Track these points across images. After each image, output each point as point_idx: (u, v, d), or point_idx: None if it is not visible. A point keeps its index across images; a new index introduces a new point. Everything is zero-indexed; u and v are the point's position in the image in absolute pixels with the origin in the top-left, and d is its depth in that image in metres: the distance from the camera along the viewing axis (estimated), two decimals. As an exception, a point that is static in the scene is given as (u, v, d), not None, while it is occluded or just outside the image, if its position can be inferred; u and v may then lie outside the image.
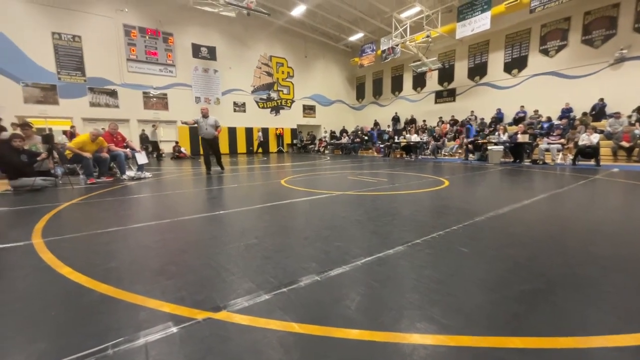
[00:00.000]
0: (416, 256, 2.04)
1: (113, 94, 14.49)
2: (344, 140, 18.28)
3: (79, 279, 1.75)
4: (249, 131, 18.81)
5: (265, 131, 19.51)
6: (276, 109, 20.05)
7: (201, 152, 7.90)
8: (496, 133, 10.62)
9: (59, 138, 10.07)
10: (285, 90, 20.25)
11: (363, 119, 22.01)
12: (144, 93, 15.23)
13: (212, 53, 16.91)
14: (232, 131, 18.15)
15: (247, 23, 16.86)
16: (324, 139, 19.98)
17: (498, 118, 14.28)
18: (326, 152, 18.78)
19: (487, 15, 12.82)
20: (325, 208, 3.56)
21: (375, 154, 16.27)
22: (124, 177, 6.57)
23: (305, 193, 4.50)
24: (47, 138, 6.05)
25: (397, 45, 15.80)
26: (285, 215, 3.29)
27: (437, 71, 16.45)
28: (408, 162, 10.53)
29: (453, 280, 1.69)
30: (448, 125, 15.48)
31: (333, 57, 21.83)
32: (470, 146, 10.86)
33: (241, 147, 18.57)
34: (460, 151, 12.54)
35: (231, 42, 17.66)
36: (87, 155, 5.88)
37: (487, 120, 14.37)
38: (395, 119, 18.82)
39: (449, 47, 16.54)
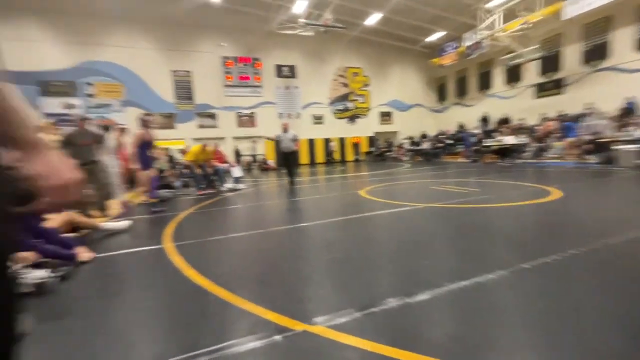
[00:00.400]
0: (525, 284, 1.79)
1: (213, 116, 16.96)
2: (425, 145, 17.28)
3: (201, 281, 2.10)
4: (327, 142, 19.49)
5: (342, 141, 19.92)
6: (352, 118, 20.31)
7: (281, 164, 8.39)
8: (629, 128, 8.51)
9: (177, 156, 12.33)
10: (360, 99, 20.38)
11: (445, 122, 20.45)
12: (237, 113, 17.38)
13: (292, 71, 18.27)
14: (311, 143, 19.10)
15: (323, 39, 17.68)
16: (402, 146, 19.27)
17: (628, 109, 11.42)
18: (404, 158, 18.05)
19: (608, -15, 10.51)
20: (410, 222, 3.43)
21: (461, 159, 14.88)
22: (223, 188, 7.58)
23: (386, 205, 4.42)
24: (170, 157, 7.48)
25: (484, 39, 14.28)
26: (369, 228, 3.30)
27: (537, 61, 14.20)
28: (503, 168, 9.29)
29: (578, 318, 1.42)
30: (554, 123, 13.10)
31: (410, 61, 21.05)
32: (589, 146, 8.95)
33: (319, 157, 19.35)
34: (572, 152, 10.45)
35: (309, 58, 18.76)
36: (198, 171, 7.01)
37: (611, 113, 11.64)
38: (484, 120, 16.91)
39: (553, 31, 14.11)
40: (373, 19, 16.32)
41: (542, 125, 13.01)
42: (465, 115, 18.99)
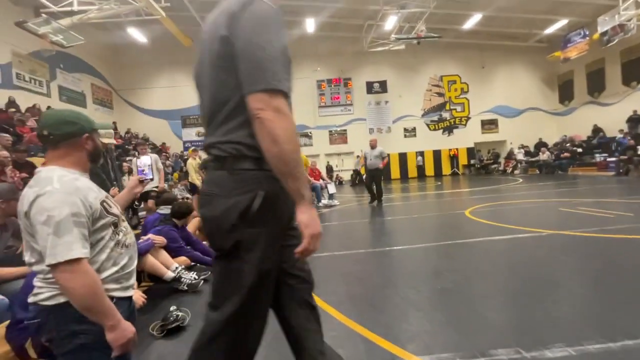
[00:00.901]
0: None
1: (309, 135, 18.34)
2: (544, 155, 14.56)
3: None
4: (419, 155, 18.59)
5: (437, 153, 18.65)
6: (449, 129, 18.82)
7: (367, 182, 7.87)
8: None
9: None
10: (458, 108, 18.77)
11: (571, 126, 16.87)
12: (329, 132, 18.37)
13: (383, 86, 18.30)
14: (402, 157, 18.52)
15: (415, 49, 17.18)
16: (513, 157, 16.71)
17: None
18: (515, 172, 15.58)
19: None
20: (533, 252, 2.94)
21: (600, 171, 11.92)
22: (320, 204, 8.05)
23: (498, 229, 3.91)
24: None
25: (630, 20, 11.36)
26: (480, 256, 2.98)
27: None
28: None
29: None
30: None
31: (520, 59, 18.35)
32: None
33: (412, 171, 18.53)
34: None
35: (400, 71, 18.48)
36: None
37: None
38: (635, 120, 13.19)
39: None
40: (472, 21, 15.05)
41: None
42: (603, 116, 15.27)
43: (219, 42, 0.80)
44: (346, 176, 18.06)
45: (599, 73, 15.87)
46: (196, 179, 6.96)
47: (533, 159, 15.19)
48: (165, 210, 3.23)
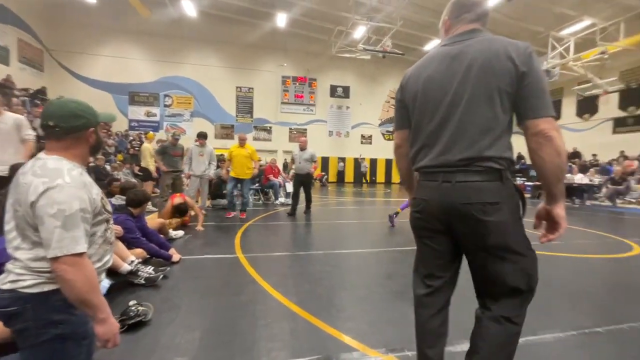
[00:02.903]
0: (597, 350, 1.76)
1: (269, 130, 18.09)
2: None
3: (275, 294, 2.38)
4: (373, 162, 19.54)
5: (389, 162, 19.82)
6: (401, 141, 20.14)
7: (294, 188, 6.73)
8: None
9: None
10: (412, 122, 20.21)
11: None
12: (289, 129, 18.34)
13: (346, 92, 18.87)
14: (357, 162, 19.30)
15: (379, 62, 18.05)
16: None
17: None
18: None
19: None
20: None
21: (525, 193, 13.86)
22: (277, 202, 8.07)
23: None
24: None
25: (554, 67, 13.43)
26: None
27: (616, 93, 12.95)
28: (571, 210, 8.52)
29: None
30: (636, 162, 11.71)
31: (467, 85, 20.47)
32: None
33: (367, 176, 19.40)
34: (658, 199, 9.22)
35: (363, 80, 19.25)
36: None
37: None
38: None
39: (637, 62, 12.82)
40: (432, 44, 16.31)
41: (620, 164, 11.71)
42: (525, 146, 17.75)
43: (510, 75, 0.99)
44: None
45: (527, 108, 18.36)
46: (151, 164, 6.47)
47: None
48: (119, 201, 3.03)
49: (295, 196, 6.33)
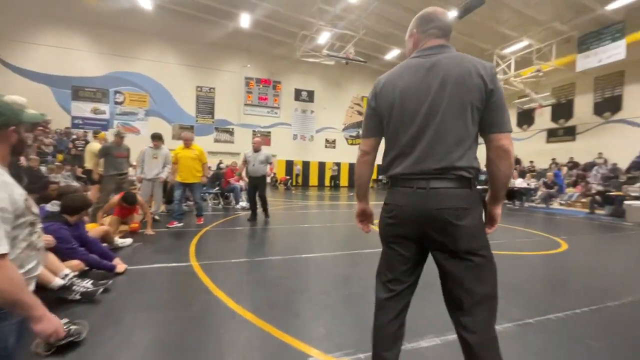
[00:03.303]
0: (528, 340, 1.94)
1: (231, 132, 17.57)
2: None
3: (230, 303, 2.29)
4: (337, 166, 19.87)
5: (353, 166, 20.26)
6: (364, 145, 20.75)
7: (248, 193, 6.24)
8: (637, 184, 8.62)
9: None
10: (374, 128, 20.92)
11: (455, 157, 20.76)
12: (253, 131, 17.99)
13: (310, 96, 19.01)
14: (321, 165, 19.49)
15: (343, 68, 18.49)
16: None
17: (638, 163, 11.54)
18: (413, 189, 18.20)
19: (621, 43, 11.01)
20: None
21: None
22: (237, 206, 7.83)
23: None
24: None
25: (499, 82, 14.78)
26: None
27: (549, 107, 14.60)
28: (511, 211, 9.38)
29: (578, 380, 1.57)
30: (565, 169, 13.27)
31: (425, 95, 21.74)
32: (598, 198, 9.04)
33: (329, 180, 19.65)
34: (583, 201, 10.51)
35: (328, 85, 19.55)
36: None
37: (624, 165, 11.76)
38: (495, 159, 17.11)
39: (567, 79, 14.58)
40: (392, 54, 17.08)
41: (552, 170, 13.15)
42: (477, 154, 19.24)
43: (479, 91, 1.08)
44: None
45: (476, 118, 19.94)
46: (90, 166, 5.90)
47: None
48: (54, 207, 2.73)
49: (251, 200, 6.00)
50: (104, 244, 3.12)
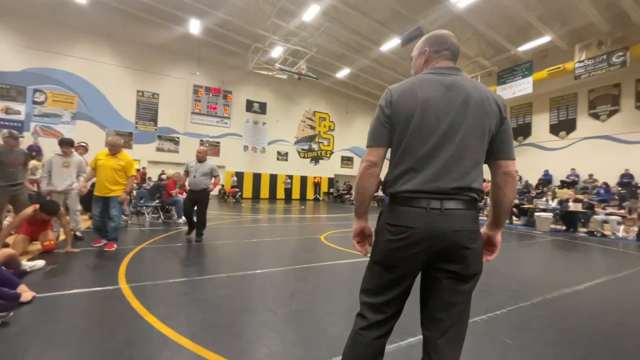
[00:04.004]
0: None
1: (176, 141, 16.50)
2: (381, 193, 18.35)
3: (163, 329, 2.08)
4: (289, 178, 19.81)
5: (304, 179, 20.40)
6: (316, 159, 21.11)
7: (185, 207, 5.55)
8: (544, 198, 10.13)
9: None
10: (325, 142, 21.46)
11: (400, 172, 22.20)
12: (200, 141, 17.13)
13: (262, 108, 18.87)
14: (273, 178, 19.27)
15: (296, 82, 18.81)
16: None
17: (546, 180, 13.66)
18: (362, 202, 18.89)
19: (529, 80, 13.08)
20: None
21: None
22: (180, 221, 7.29)
23: (344, 254, 4.69)
24: None
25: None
26: (328, 278, 3.49)
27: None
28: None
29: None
30: (489, 184, 15.05)
31: (372, 113, 22.94)
32: (514, 209, 10.39)
33: (280, 193, 19.46)
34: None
35: (280, 98, 19.64)
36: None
37: (534, 182, 13.78)
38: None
39: (490, 107, 16.77)
40: (343, 73, 17.92)
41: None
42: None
43: (496, 118, 1.13)
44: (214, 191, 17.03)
45: (417, 136, 21.73)
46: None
47: (374, 194, 18.88)
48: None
49: (187, 216, 5.30)
50: (7, 270, 2.64)
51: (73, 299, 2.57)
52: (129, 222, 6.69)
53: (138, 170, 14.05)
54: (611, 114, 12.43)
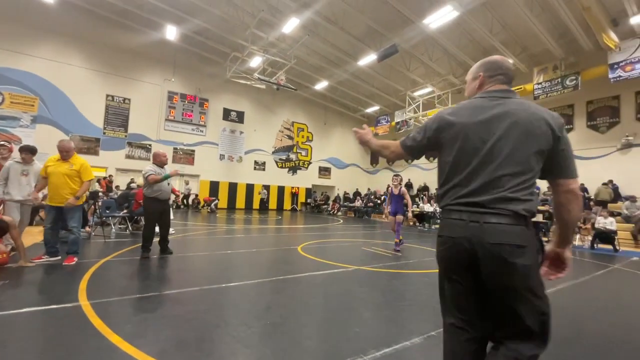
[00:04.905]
0: (433, 351, 2.14)
1: (147, 148, 15.85)
2: (357, 203, 18.60)
3: (128, 349, 1.95)
4: (265, 189, 19.56)
5: (281, 189, 20.24)
6: (294, 169, 21.07)
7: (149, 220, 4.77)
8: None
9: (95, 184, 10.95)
10: (303, 153, 21.52)
11: (376, 183, 22.64)
12: (174, 149, 16.57)
13: (240, 117, 18.68)
14: (249, 187, 18.95)
15: (274, 93, 18.84)
16: (337, 201, 20.33)
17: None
18: (339, 213, 19.02)
19: (494, 98, 13.98)
20: (343, 285, 3.71)
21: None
22: (150, 231, 6.93)
23: (321, 265, 4.67)
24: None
25: (410, 119, 17.08)
26: (304, 290, 3.45)
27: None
28: (421, 232, 10.57)
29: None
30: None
31: (350, 125, 23.51)
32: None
33: (257, 203, 19.13)
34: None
35: (258, 108, 19.56)
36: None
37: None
38: (408, 186, 19.27)
39: (460, 122, 17.67)
40: (321, 85, 18.23)
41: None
42: (393, 180, 21.37)
43: (548, 138, 1.15)
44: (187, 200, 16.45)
45: (393, 149, 22.33)
46: None
47: (351, 205, 19.07)
48: None
49: (152, 232, 4.67)
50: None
51: (25, 319, 2.35)
52: (93, 233, 6.27)
53: (104, 178, 13.31)
54: (566, 132, 13.53)
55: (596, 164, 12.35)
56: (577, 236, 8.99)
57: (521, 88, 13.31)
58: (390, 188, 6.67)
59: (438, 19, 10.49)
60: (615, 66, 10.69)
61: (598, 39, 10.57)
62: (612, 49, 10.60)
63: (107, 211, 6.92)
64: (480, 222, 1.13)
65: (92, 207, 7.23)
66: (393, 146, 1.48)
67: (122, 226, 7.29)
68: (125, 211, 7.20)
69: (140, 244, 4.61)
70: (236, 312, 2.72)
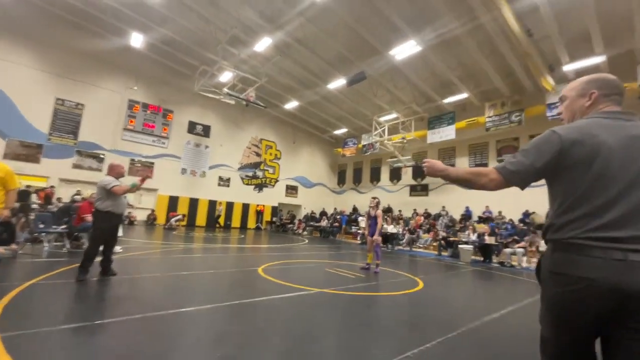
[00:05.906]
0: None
1: (100, 158, 14.64)
2: (323, 223, 18.51)
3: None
4: (229, 205, 18.84)
5: (246, 207, 19.61)
6: (260, 187, 20.63)
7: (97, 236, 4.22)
8: (466, 232, 11.30)
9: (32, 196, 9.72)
10: (271, 170, 21.25)
11: (343, 203, 22.86)
12: (131, 160, 15.50)
13: (206, 131, 18.12)
14: (212, 204, 18.13)
15: (243, 109, 18.64)
16: (302, 220, 20.09)
17: (467, 215, 15.36)
18: (304, 233, 18.75)
19: (452, 127, 15.07)
20: (304, 309, 3.53)
21: (353, 239, 16.43)
22: (92, 250, 6.21)
23: (283, 288, 4.45)
24: (22, 195, 5.80)
25: (376, 142, 17.74)
26: (263, 317, 3.22)
27: (411, 167, 18.20)
28: (385, 253, 10.68)
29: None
30: (422, 218, 16.35)
31: (318, 145, 23.84)
32: (443, 242, 11.35)
33: (220, 220, 18.28)
34: (434, 244, 12.99)
35: (226, 123, 19.17)
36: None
37: (457, 217, 15.38)
38: (388, 210, 19.68)
39: (422, 148, 18.71)
40: (291, 105, 18.42)
41: (414, 219, 15.96)
42: (359, 200, 21.78)
43: None
44: (141, 215, 15.33)
45: (360, 170, 22.94)
46: None
47: (317, 224, 18.93)
48: None
49: (96, 250, 4.16)
50: None
51: None
52: (19, 251, 5.47)
53: (44, 188, 11.96)
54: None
55: (542, 192, 13.57)
56: (525, 258, 9.65)
57: (475, 120, 14.52)
58: (368, 210, 6.79)
59: (403, 52, 11.26)
60: (552, 106, 12.11)
61: (537, 81, 11.99)
62: (549, 91, 12.06)
63: (42, 226, 6.12)
64: (626, 260, 0.98)
65: (22, 220, 6.38)
66: (491, 173, 1.23)
67: (58, 243, 6.47)
68: (64, 226, 6.43)
69: (79, 264, 4.07)
70: (182, 343, 2.43)
